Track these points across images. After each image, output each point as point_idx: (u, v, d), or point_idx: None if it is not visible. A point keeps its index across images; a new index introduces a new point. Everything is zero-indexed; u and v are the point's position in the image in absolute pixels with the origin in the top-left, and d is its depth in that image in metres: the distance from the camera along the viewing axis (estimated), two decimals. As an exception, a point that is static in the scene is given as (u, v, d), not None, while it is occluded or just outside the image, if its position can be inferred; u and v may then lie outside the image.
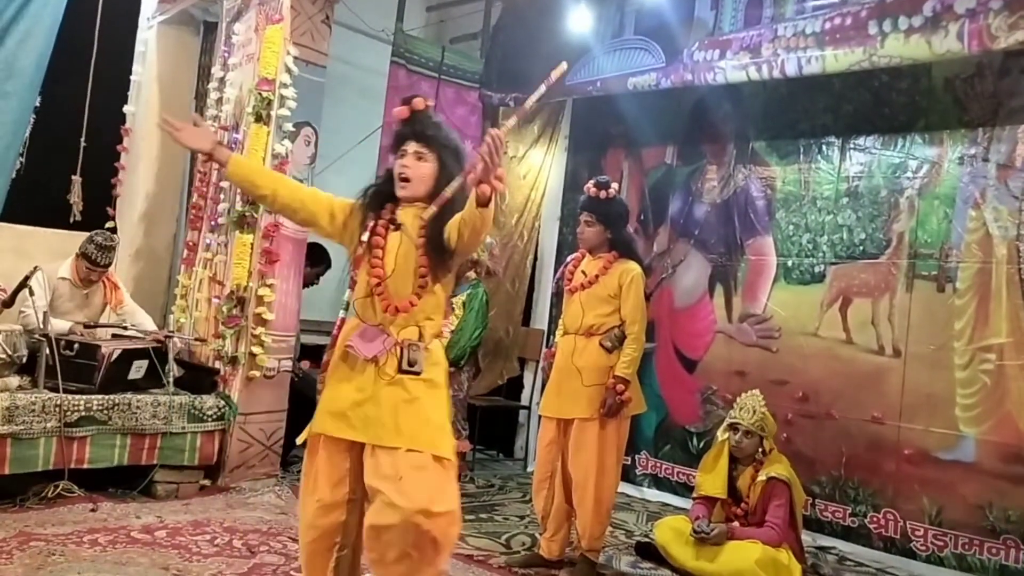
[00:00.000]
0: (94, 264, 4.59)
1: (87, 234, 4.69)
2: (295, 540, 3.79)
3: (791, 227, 4.96)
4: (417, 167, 2.55)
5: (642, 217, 5.68)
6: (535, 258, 6.30)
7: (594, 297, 3.73)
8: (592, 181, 3.81)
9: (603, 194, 3.73)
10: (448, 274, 2.60)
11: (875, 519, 4.43)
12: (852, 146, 4.77)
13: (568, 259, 4.01)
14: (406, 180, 2.55)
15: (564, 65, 2.43)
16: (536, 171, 6.26)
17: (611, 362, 3.68)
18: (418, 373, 2.49)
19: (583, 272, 3.80)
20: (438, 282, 2.57)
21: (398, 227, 2.55)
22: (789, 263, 4.95)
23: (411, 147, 2.58)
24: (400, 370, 2.48)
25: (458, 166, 2.59)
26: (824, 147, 4.87)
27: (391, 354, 2.49)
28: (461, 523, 2.49)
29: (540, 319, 6.15)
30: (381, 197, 2.61)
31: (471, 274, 4.82)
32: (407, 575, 2.35)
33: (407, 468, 2.38)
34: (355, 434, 2.47)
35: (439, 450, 2.45)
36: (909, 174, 4.53)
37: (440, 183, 2.53)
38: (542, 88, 2.37)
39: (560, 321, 3.98)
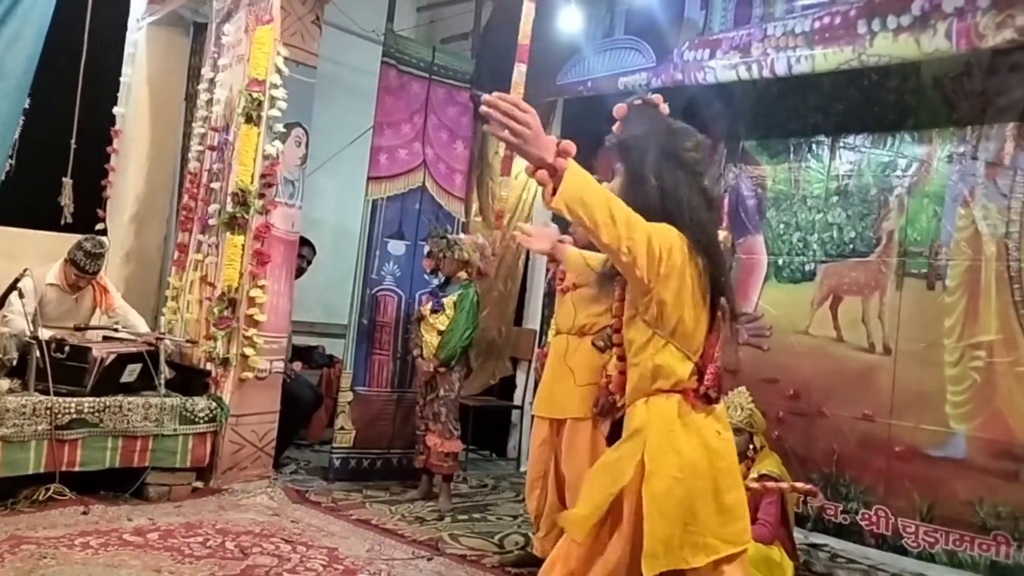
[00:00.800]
0: (82, 271, 4.57)
1: (77, 237, 4.67)
2: (288, 542, 3.80)
3: (782, 226, 4.98)
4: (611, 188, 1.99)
5: (633, 216, 5.68)
6: (527, 258, 6.31)
7: (586, 297, 3.73)
8: None
9: None
10: (631, 298, 2.02)
11: (866, 516, 4.44)
12: (842, 145, 4.78)
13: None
14: None
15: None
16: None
17: (604, 361, 3.68)
18: (611, 442, 2.05)
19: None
20: (630, 313, 2.01)
21: None
22: (780, 262, 4.96)
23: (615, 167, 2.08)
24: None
25: (641, 165, 2.00)
26: (814, 146, 4.89)
27: None
28: None
29: (532, 319, 6.15)
30: None
31: (462, 274, 4.82)
32: None
33: None
34: None
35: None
36: (899, 172, 4.54)
37: (628, 196, 1.92)
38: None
39: (552, 321, 3.99)
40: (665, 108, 2.12)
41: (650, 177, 1.97)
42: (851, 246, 4.68)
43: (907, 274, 4.45)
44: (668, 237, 1.88)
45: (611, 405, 3.61)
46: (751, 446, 3.96)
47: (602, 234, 1.77)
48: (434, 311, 4.80)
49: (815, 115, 4.87)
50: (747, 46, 4.40)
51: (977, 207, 4.23)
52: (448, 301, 4.77)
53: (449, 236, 4.96)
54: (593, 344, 3.72)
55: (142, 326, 4.89)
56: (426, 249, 5.03)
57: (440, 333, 4.76)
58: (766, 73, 4.36)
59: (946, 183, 4.35)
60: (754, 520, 3.84)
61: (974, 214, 4.24)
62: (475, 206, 6.01)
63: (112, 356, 4.22)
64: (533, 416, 3.94)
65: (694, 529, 1.87)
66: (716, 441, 1.96)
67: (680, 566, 1.86)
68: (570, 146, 1.74)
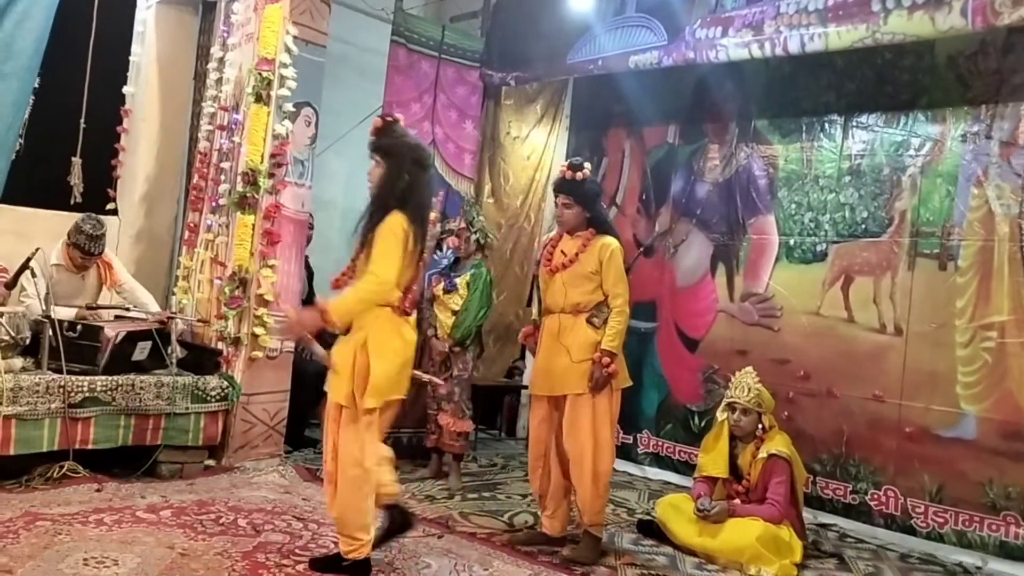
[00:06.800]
0: (87, 254, 4.59)
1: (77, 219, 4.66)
2: (299, 519, 3.83)
3: (793, 206, 4.95)
4: None
5: (643, 197, 5.66)
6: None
7: (576, 275, 3.73)
8: (566, 163, 3.86)
9: (578, 175, 3.74)
10: None
11: (876, 496, 4.45)
12: (854, 124, 4.75)
13: (545, 240, 4.03)
14: None
15: None
16: (540, 151, 6.23)
17: (599, 337, 3.69)
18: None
19: (562, 252, 3.80)
20: None
21: None
22: (791, 242, 4.94)
23: None
24: None
25: (400, 166, 3.15)
26: (826, 125, 4.85)
27: None
28: None
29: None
30: None
31: (476, 255, 4.83)
32: None
33: None
34: None
35: None
36: (911, 152, 4.51)
37: (387, 185, 3.16)
38: None
39: (535, 300, 4.01)
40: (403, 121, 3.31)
41: (404, 175, 3.12)
42: (863, 226, 4.66)
43: (919, 254, 4.43)
44: (396, 247, 3.04)
45: (606, 378, 3.65)
46: (760, 425, 3.97)
47: (370, 300, 3.05)
48: (447, 291, 4.80)
49: (828, 94, 4.83)
50: (760, 24, 4.37)
51: (990, 187, 4.20)
52: (461, 281, 4.78)
53: (477, 219, 4.95)
54: (588, 321, 3.72)
55: (151, 303, 4.90)
56: (451, 225, 4.95)
57: (454, 313, 4.77)
58: (779, 51, 4.33)
59: (959, 163, 4.32)
60: (763, 500, 3.86)
61: (987, 194, 4.21)
62: (487, 187, 5.99)
63: (122, 333, 4.24)
64: (531, 396, 3.95)
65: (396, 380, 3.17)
66: (409, 335, 3.20)
67: (390, 397, 3.15)
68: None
